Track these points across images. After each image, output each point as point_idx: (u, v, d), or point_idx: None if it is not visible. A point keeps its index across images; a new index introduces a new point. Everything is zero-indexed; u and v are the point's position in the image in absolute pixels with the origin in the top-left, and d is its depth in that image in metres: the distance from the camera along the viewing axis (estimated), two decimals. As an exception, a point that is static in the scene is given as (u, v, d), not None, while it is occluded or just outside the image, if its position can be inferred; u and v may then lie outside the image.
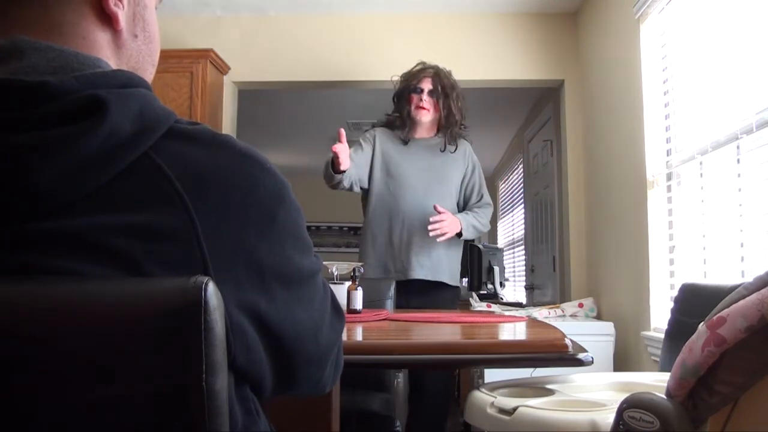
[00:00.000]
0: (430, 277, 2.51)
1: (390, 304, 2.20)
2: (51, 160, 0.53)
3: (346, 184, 2.43)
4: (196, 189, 0.57)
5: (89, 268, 0.54)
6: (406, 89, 2.58)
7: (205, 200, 0.57)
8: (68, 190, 0.54)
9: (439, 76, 2.57)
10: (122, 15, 0.67)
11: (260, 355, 0.63)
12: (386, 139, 2.61)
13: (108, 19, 0.66)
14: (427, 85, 2.55)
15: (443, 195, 2.57)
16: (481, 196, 2.70)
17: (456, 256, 2.62)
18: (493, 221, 7.99)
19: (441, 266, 2.53)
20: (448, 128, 2.58)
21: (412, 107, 2.55)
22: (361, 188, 2.58)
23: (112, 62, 0.68)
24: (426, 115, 2.55)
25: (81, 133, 0.54)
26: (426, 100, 2.54)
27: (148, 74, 0.74)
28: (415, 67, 2.63)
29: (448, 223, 2.43)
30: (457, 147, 2.61)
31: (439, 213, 2.41)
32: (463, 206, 2.67)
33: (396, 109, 2.65)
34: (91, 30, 0.66)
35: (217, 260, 0.57)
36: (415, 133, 2.62)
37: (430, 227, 2.39)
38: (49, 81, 0.55)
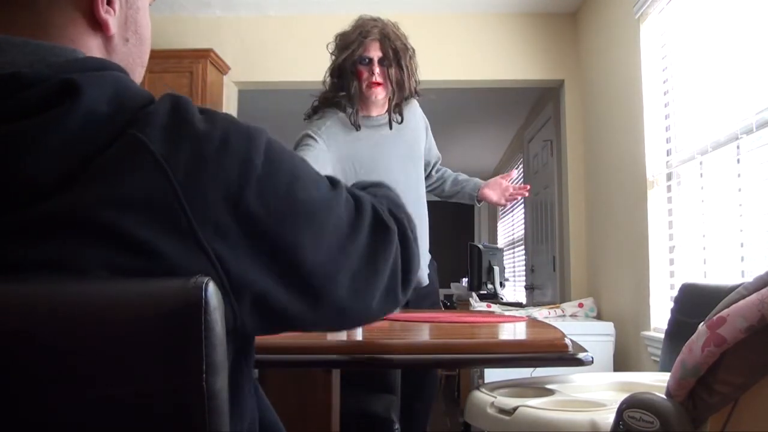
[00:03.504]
0: (428, 281, 2.20)
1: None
2: (32, 148, 0.54)
3: None
4: (170, 150, 0.57)
5: (80, 247, 0.54)
6: (348, 61, 2.00)
7: (181, 161, 0.57)
8: (52, 175, 0.54)
9: (388, 37, 2.00)
10: (113, 21, 0.68)
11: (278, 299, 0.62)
12: (337, 133, 2.03)
13: (99, 25, 0.67)
14: (375, 53, 1.99)
15: (418, 175, 2.16)
16: (439, 156, 2.35)
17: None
18: (493, 221, 8.01)
19: (429, 263, 2.21)
20: (402, 99, 2.08)
21: (363, 83, 2.00)
22: None
23: None
24: (381, 92, 2.01)
25: (58, 118, 0.55)
26: (378, 73, 1.99)
27: (137, 75, 0.74)
28: (355, 27, 2.04)
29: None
30: (403, 117, 2.11)
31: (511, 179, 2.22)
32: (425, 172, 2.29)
33: (338, 86, 2.05)
34: (81, 35, 0.66)
35: (202, 221, 0.57)
36: (364, 110, 2.07)
37: (514, 193, 2.17)
38: (21, 71, 0.56)
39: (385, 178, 2.07)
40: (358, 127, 2.04)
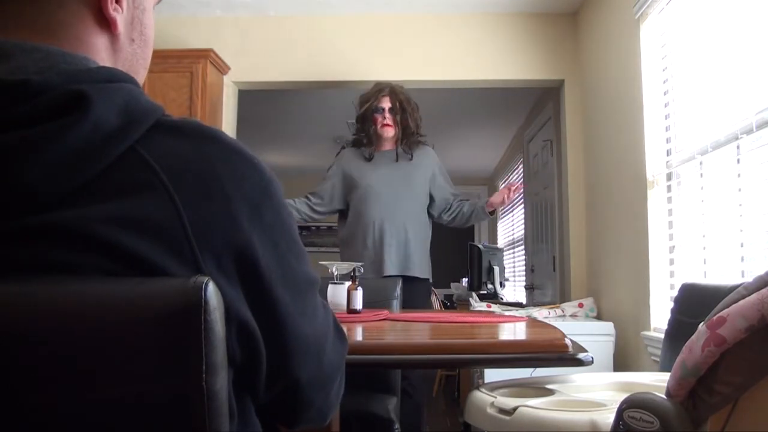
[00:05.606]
0: (399, 272, 2.76)
1: (396, 304, 2.21)
2: (37, 156, 0.53)
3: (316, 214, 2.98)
4: (181, 181, 0.57)
5: (80, 259, 0.54)
6: (368, 110, 2.90)
7: (191, 192, 0.57)
8: (56, 185, 0.54)
9: (395, 93, 2.89)
10: (121, 19, 0.67)
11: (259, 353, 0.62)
12: (351, 159, 2.95)
13: (106, 23, 0.66)
14: (386, 104, 2.87)
15: (410, 198, 2.87)
16: (457, 193, 3.01)
17: (424, 251, 2.89)
18: (493, 221, 8.04)
19: (410, 261, 2.81)
20: (405, 139, 2.90)
21: (378, 126, 2.87)
22: (339, 210, 2.99)
23: (107, 65, 0.67)
24: (390, 131, 2.88)
25: (65, 128, 0.54)
26: (388, 117, 2.86)
27: (140, 76, 0.74)
28: (372, 88, 2.95)
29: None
30: (413, 156, 2.90)
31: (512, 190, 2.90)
32: (442, 205, 2.95)
33: (361, 129, 2.96)
34: (88, 33, 0.65)
35: (206, 253, 0.57)
36: (379, 147, 2.93)
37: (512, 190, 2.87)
38: (30, 79, 0.55)
39: (371, 192, 2.79)
40: (371, 159, 2.90)
